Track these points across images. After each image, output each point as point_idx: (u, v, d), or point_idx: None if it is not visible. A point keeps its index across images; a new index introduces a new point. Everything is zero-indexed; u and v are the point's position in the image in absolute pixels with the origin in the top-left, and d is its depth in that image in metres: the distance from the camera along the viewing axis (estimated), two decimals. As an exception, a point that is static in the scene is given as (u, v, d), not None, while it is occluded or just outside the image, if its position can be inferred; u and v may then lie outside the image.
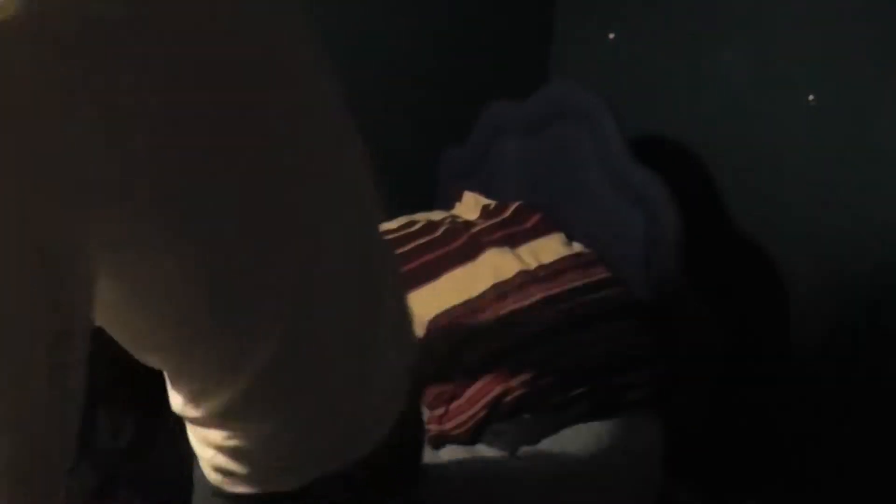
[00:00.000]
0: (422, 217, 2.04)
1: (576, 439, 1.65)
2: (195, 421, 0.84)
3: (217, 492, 0.87)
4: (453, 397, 1.62)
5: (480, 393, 1.61)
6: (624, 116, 1.87)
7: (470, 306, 1.72)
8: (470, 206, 2.06)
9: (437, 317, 1.72)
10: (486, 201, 2.04)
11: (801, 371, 1.87)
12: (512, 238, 1.87)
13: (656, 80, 2.06)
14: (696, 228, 1.78)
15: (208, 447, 0.85)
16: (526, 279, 1.75)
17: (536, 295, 1.71)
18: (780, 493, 1.98)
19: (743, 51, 1.85)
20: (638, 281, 1.82)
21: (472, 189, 2.12)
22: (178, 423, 0.88)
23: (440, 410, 1.62)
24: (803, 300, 1.84)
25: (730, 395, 1.89)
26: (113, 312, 0.73)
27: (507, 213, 1.97)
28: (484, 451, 1.60)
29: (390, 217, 2.03)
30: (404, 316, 0.99)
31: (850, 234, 1.72)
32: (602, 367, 1.67)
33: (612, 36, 2.14)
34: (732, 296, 1.90)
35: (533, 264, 1.79)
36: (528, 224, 1.92)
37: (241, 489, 0.85)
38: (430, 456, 1.58)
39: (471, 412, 1.60)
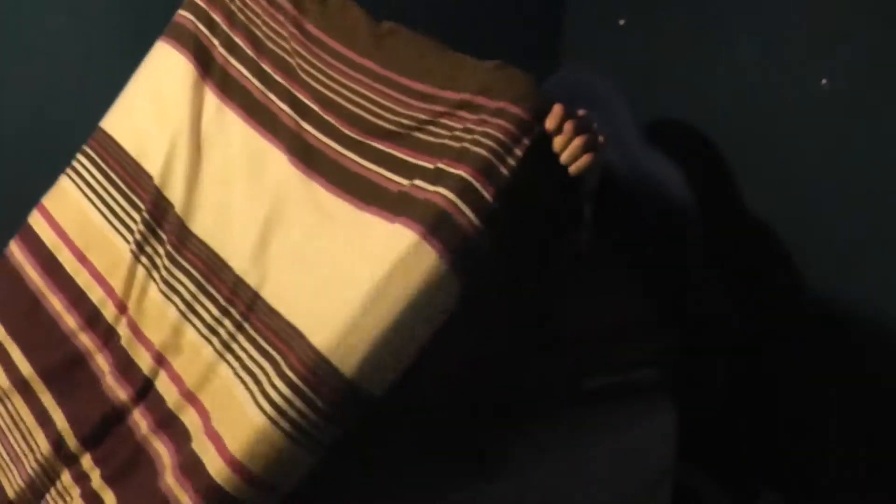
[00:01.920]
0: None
1: (583, 426, 1.62)
2: None
3: None
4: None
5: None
6: (636, 102, 1.85)
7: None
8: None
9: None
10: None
11: (816, 354, 1.85)
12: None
13: (668, 65, 2.04)
14: (709, 213, 1.77)
15: None
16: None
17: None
18: (798, 479, 1.97)
19: (755, 34, 1.83)
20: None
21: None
22: None
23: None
24: (818, 284, 1.82)
25: (744, 378, 1.88)
26: None
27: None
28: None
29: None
30: None
31: (863, 218, 1.71)
32: (606, 336, 1.63)
33: (622, 21, 2.13)
34: (747, 280, 1.88)
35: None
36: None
37: None
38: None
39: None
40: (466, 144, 1.06)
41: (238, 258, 1.17)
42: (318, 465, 1.09)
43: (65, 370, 1.27)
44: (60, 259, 1.37)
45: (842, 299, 1.79)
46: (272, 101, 1.26)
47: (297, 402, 1.03)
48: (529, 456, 1.56)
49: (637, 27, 2.11)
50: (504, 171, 1.03)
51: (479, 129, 1.06)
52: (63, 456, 1.20)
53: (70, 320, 1.31)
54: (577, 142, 1.05)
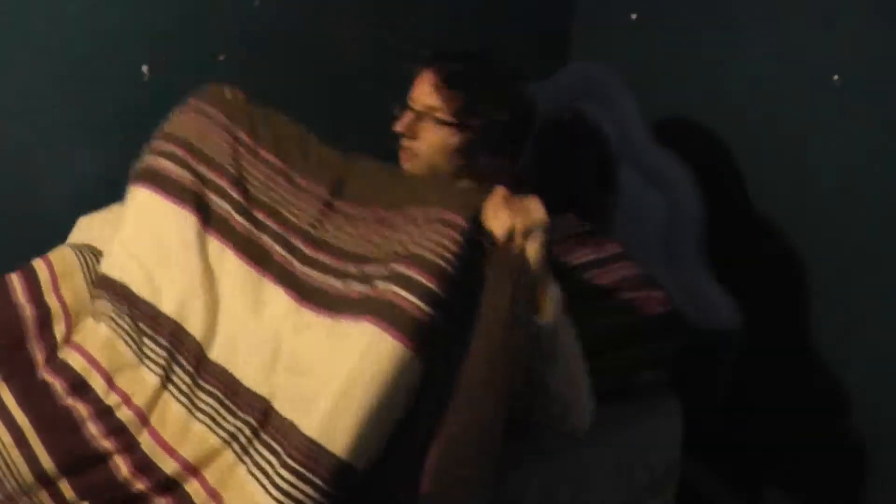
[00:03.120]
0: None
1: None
2: None
3: None
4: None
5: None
6: (645, 98, 1.86)
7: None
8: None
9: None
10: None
11: (822, 354, 1.85)
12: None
13: (679, 60, 2.05)
14: (717, 211, 1.77)
15: None
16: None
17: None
18: (802, 477, 1.97)
19: (766, 31, 1.83)
20: (658, 263, 1.79)
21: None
22: None
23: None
24: (827, 282, 1.82)
25: (748, 378, 1.88)
26: None
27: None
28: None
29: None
30: None
31: (873, 215, 1.70)
32: (612, 339, 1.64)
33: (634, 16, 2.13)
34: (754, 278, 1.88)
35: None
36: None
37: None
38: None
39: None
40: (411, 247, 1.32)
41: (250, 378, 1.40)
42: None
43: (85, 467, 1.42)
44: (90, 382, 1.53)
45: (850, 298, 1.78)
46: (265, 241, 1.50)
47: (299, 484, 1.23)
48: (535, 456, 1.56)
49: (648, 23, 2.11)
50: (441, 262, 1.27)
51: (425, 234, 1.32)
52: None
53: (92, 428, 1.46)
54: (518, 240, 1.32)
